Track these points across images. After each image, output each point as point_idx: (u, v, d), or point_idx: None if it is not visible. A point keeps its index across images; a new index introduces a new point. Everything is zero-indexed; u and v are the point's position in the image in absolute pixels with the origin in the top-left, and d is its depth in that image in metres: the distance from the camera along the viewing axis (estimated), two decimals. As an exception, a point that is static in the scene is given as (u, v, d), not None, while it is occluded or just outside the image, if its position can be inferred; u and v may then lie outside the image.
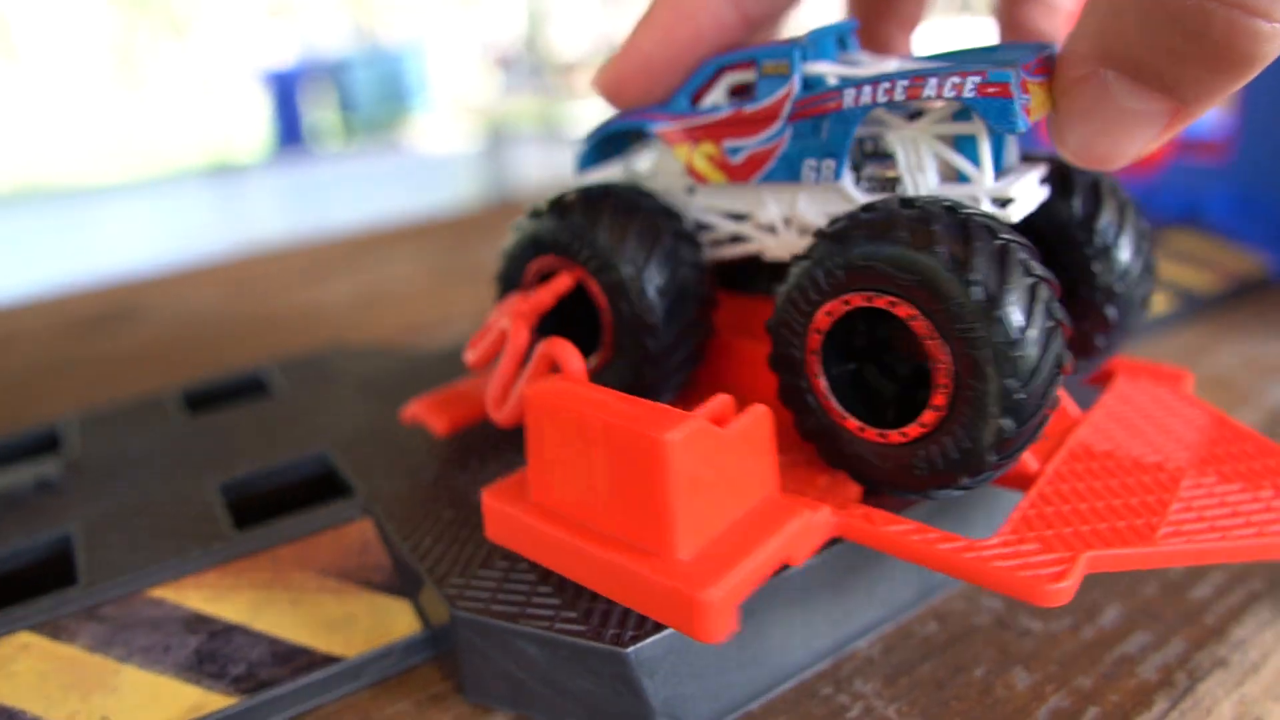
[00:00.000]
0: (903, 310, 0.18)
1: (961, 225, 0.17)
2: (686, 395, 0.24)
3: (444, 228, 0.66)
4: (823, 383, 0.19)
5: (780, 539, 0.18)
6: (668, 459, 0.17)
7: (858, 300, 0.18)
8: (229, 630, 0.21)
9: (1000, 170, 0.21)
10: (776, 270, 0.28)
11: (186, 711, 0.20)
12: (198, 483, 0.26)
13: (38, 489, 0.26)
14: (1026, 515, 0.19)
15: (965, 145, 0.21)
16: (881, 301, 0.18)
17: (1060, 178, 0.24)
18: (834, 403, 0.19)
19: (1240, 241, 0.44)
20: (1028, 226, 0.24)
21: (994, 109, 0.19)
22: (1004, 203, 0.20)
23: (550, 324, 0.24)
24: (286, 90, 3.51)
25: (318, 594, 0.22)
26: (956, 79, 0.19)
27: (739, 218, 0.24)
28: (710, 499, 0.18)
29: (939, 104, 0.20)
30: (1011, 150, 0.22)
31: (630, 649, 0.18)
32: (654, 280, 0.22)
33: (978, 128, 0.20)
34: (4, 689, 0.19)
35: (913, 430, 0.18)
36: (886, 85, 0.20)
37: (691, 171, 0.23)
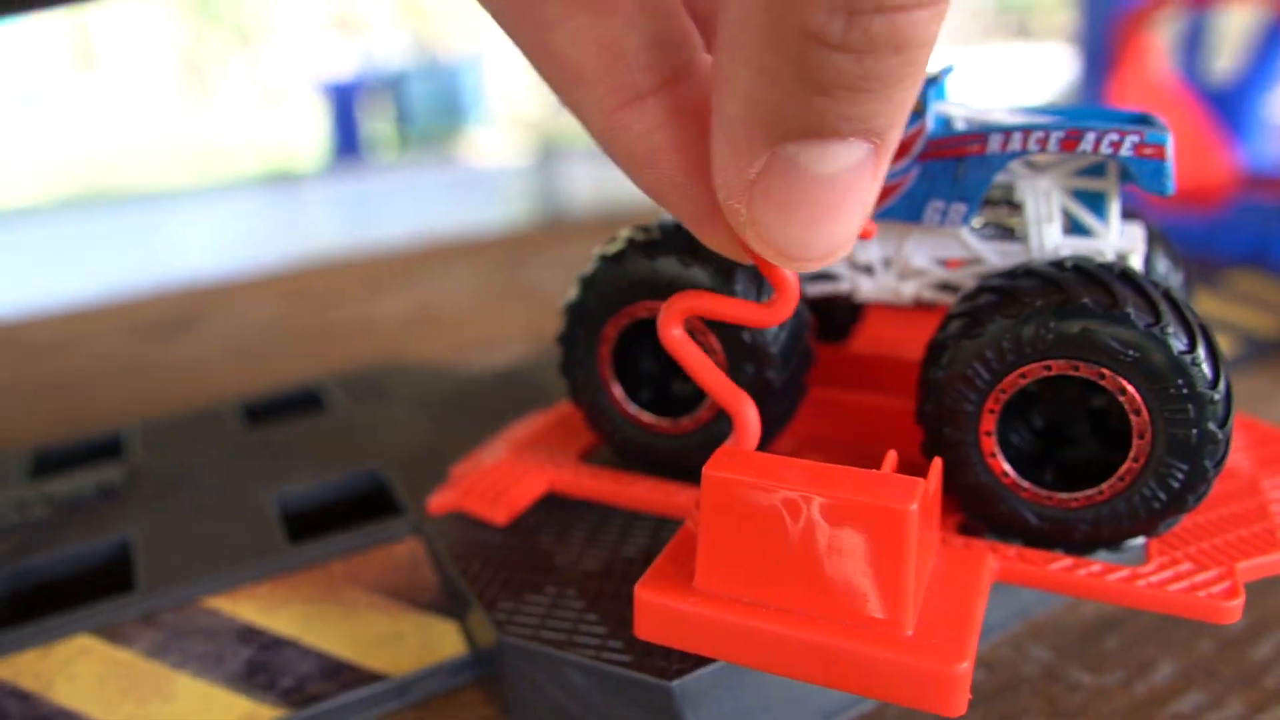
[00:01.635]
0: (1111, 384, 0.18)
1: (1176, 304, 0.18)
2: (773, 448, 0.24)
3: (496, 245, 0.67)
4: (994, 441, 0.19)
5: (984, 595, 0.18)
6: (907, 528, 0.15)
7: (1062, 367, 0.18)
8: (280, 643, 0.22)
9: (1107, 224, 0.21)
10: (842, 316, 0.28)
11: (237, 721, 0.20)
12: (254, 495, 0.27)
13: (100, 495, 0.27)
14: (1163, 535, 0.19)
15: (1087, 200, 0.21)
16: (1090, 372, 0.18)
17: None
18: (1002, 462, 0.19)
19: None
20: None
21: (1148, 170, 0.19)
22: (1124, 257, 0.21)
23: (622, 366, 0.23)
24: (345, 101, 3.58)
25: (367, 610, 0.23)
26: (1115, 136, 0.19)
27: None
28: (923, 563, 0.17)
29: (1081, 159, 0.20)
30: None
31: (675, 682, 0.18)
32: (782, 338, 0.21)
33: (1109, 184, 0.20)
34: (65, 690, 0.20)
35: (1084, 498, 0.19)
36: (1040, 134, 0.19)
37: None
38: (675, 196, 0.16)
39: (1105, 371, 0.18)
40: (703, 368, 0.18)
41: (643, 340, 0.23)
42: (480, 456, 0.25)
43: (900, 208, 0.21)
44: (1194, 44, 0.59)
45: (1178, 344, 0.17)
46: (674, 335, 0.18)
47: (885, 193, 0.21)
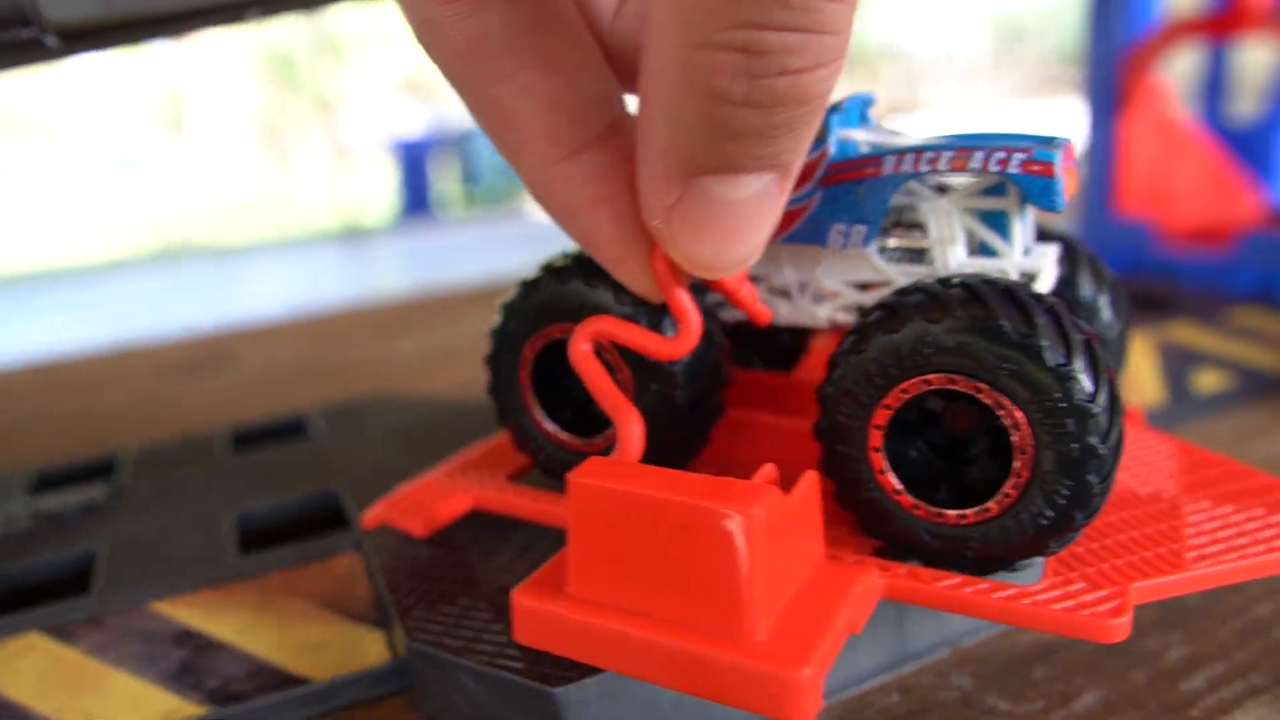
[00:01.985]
0: (989, 398, 0.18)
1: (1057, 318, 0.18)
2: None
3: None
4: (883, 458, 0.19)
5: (849, 607, 0.17)
6: (742, 536, 0.16)
7: (940, 381, 0.18)
8: (213, 646, 0.23)
9: (1019, 245, 0.22)
10: (765, 341, 0.29)
11: (160, 716, 0.21)
12: (220, 513, 0.28)
13: (83, 511, 0.29)
14: (1060, 556, 0.19)
15: (992, 220, 0.21)
16: (967, 386, 0.18)
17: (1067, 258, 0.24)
18: (891, 478, 0.19)
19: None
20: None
21: (1037, 186, 0.19)
22: (1030, 278, 0.21)
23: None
24: (415, 160, 3.73)
25: (300, 619, 0.24)
26: (1002, 154, 0.19)
27: (754, 280, 0.24)
28: (777, 571, 0.17)
29: (973, 178, 0.21)
30: (1030, 228, 0.22)
31: (559, 689, 0.19)
32: (688, 359, 0.21)
33: (1010, 204, 0.21)
34: (8, 683, 0.21)
35: (972, 515, 0.18)
36: (931, 155, 0.20)
37: None
38: (601, 241, 0.18)
39: (982, 386, 0.18)
40: (598, 383, 0.19)
41: (566, 363, 0.24)
42: (422, 477, 0.26)
43: (805, 231, 0.22)
44: (1215, 84, 0.59)
45: (1054, 356, 0.17)
46: (580, 351, 0.19)
47: (790, 217, 0.22)
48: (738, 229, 0.16)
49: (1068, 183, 0.19)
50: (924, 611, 0.23)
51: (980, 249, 0.21)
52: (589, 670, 0.19)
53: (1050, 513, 0.18)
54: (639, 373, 0.21)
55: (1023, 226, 0.21)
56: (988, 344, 0.17)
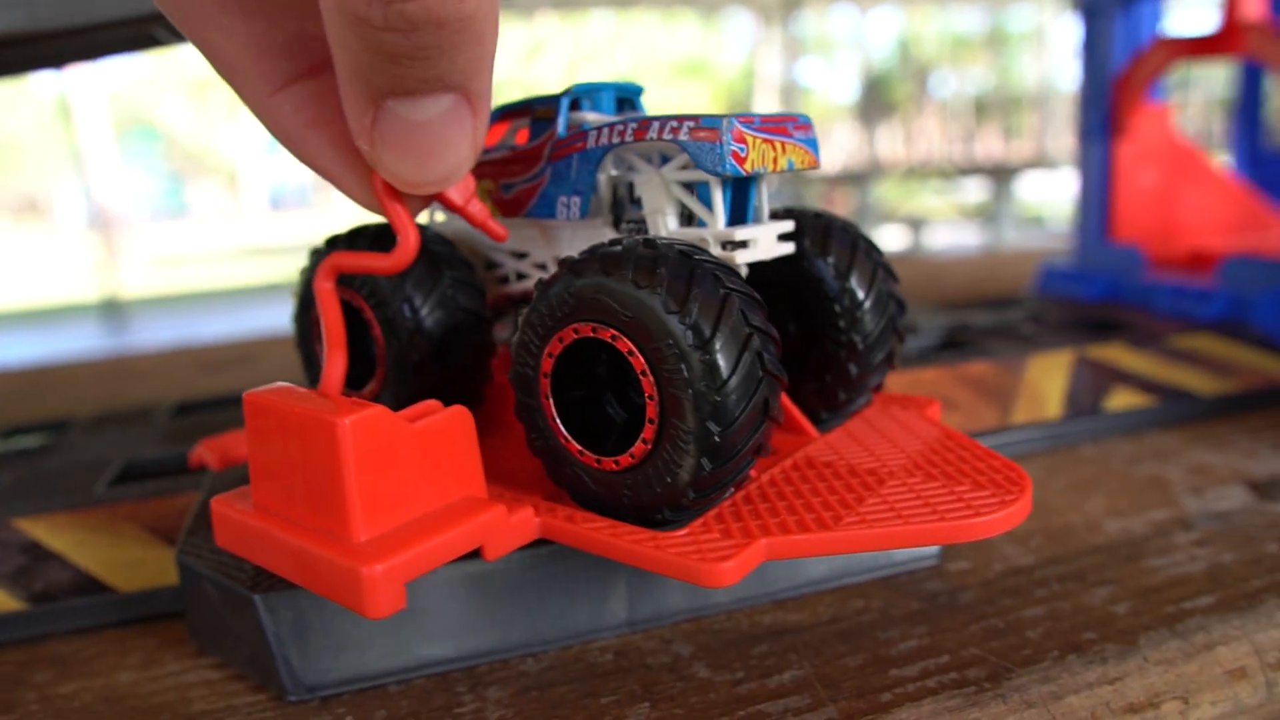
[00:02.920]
0: (623, 345, 0.19)
1: (689, 270, 0.18)
2: None
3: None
4: (551, 404, 0.20)
5: (463, 529, 0.19)
6: (342, 442, 0.18)
7: (585, 330, 0.19)
8: (50, 556, 0.26)
9: (750, 220, 0.22)
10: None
11: (-15, 608, 0.25)
12: (116, 459, 0.32)
13: (18, 454, 0.33)
14: (721, 511, 0.20)
15: (702, 194, 0.22)
16: (605, 334, 0.19)
17: (821, 235, 0.24)
18: (559, 425, 0.20)
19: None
20: (785, 282, 0.24)
21: (702, 151, 0.20)
22: (735, 246, 0.22)
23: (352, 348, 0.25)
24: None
25: (130, 541, 0.27)
26: (675, 123, 0.21)
27: (520, 256, 0.26)
28: (394, 488, 0.19)
29: (664, 145, 0.22)
30: (764, 203, 0.23)
31: (258, 594, 0.21)
32: (426, 321, 0.23)
33: (710, 175, 0.22)
34: (-123, 567, 0.26)
35: (624, 460, 0.19)
36: (620, 127, 0.22)
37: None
38: (321, 164, 0.20)
39: (615, 333, 0.19)
40: (327, 319, 0.21)
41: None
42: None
43: (542, 206, 0.23)
44: (1250, 108, 0.55)
45: (668, 303, 0.18)
46: (321, 288, 0.21)
47: (528, 193, 0.24)
48: (431, 147, 0.18)
49: (752, 152, 0.20)
50: (668, 582, 0.23)
51: (700, 221, 0.22)
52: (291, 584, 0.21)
53: (679, 460, 0.18)
54: (386, 330, 0.24)
55: (742, 201, 0.22)
56: (612, 293, 0.19)
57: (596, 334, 0.19)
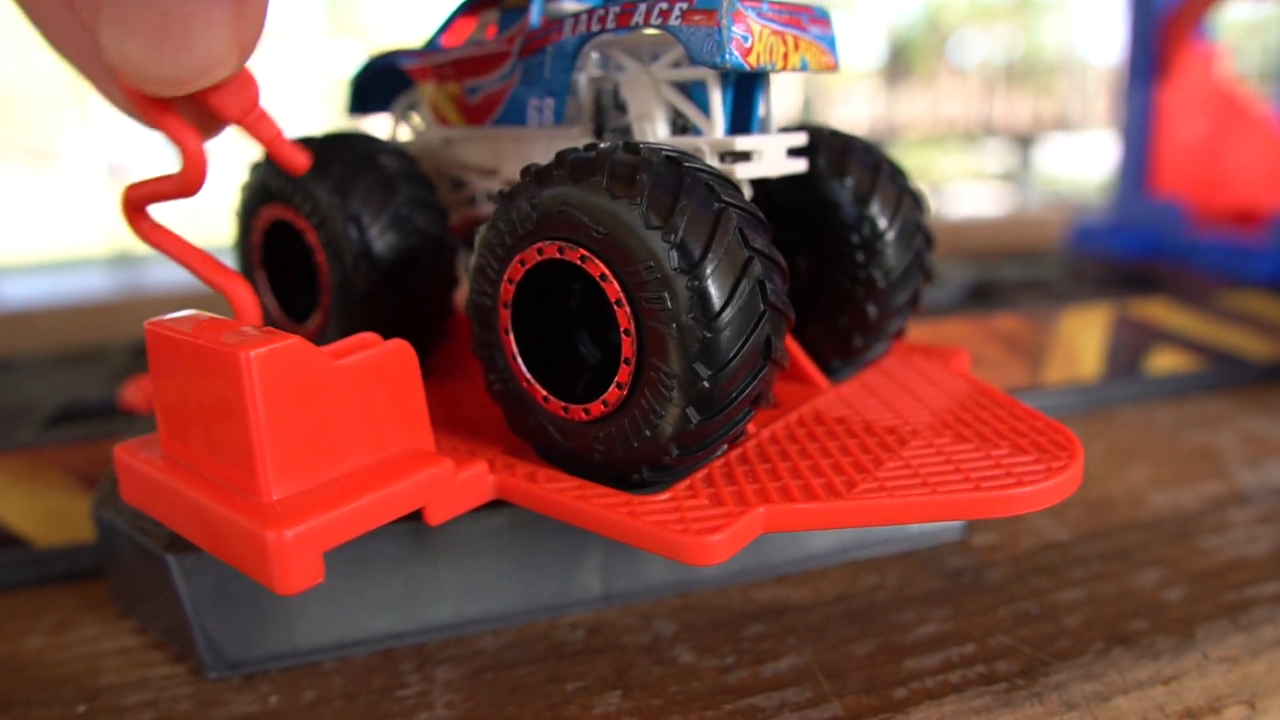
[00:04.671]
0: (594, 268, 0.15)
1: (676, 179, 0.15)
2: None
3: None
4: (512, 340, 0.17)
5: (400, 488, 0.16)
6: (247, 378, 0.15)
7: (551, 250, 0.16)
8: (-37, 505, 0.23)
9: (755, 130, 0.19)
10: None
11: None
12: (56, 401, 0.29)
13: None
14: (711, 472, 0.17)
15: (698, 95, 0.19)
16: (573, 255, 0.16)
17: (838, 155, 0.21)
18: (521, 365, 0.17)
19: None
20: (794, 208, 0.21)
21: (697, 38, 0.17)
22: (736, 158, 0.18)
23: (277, 272, 0.23)
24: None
25: (55, 490, 0.24)
26: (665, 4, 0.17)
27: (489, 173, 0.23)
28: (314, 436, 0.16)
29: (653, 41, 0.19)
30: (772, 110, 0.20)
31: (172, 555, 0.18)
32: (375, 244, 0.20)
33: (708, 73, 0.18)
34: None
35: (595, 408, 0.16)
36: (601, 14, 0.18)
37: (435, 112, 0.23)
38: (72, 53, 0.17)
39: (585, 253, 0.15)
40: (185, 253, 0.18)
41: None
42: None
43: (511, 112, 0.20)
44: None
45: (648, 217, 0.15)
46: (140, 228, 0.18)
47: (494, 99, 0.20)
48: (169, 25, 0.14)
49: (757, 44, 0.17)
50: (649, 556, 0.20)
51: (695, 129, 0.19)
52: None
53: (660, 409, 0.15)
54: (330, 254, 0.20)
55: (748, 106, 0.19)
56: (581, 204, 0.15)
57: (563, 255, 0.16)
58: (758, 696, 0.17)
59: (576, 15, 0.18)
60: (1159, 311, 0.34)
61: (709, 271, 0.14)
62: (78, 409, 0.29)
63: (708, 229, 0.15)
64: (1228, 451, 0.27)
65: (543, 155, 0.21)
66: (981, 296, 0.37)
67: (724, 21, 0.16)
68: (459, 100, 0.22)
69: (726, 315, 0.14)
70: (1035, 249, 0.53)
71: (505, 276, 0.17)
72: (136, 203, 0.18)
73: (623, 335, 0.15)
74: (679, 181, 0.15)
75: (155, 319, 0.16)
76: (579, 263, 0.15)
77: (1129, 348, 0.32)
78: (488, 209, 0.23)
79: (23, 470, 0.25)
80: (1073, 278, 0.40)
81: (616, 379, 0.16)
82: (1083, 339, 0.32)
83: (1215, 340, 0.33)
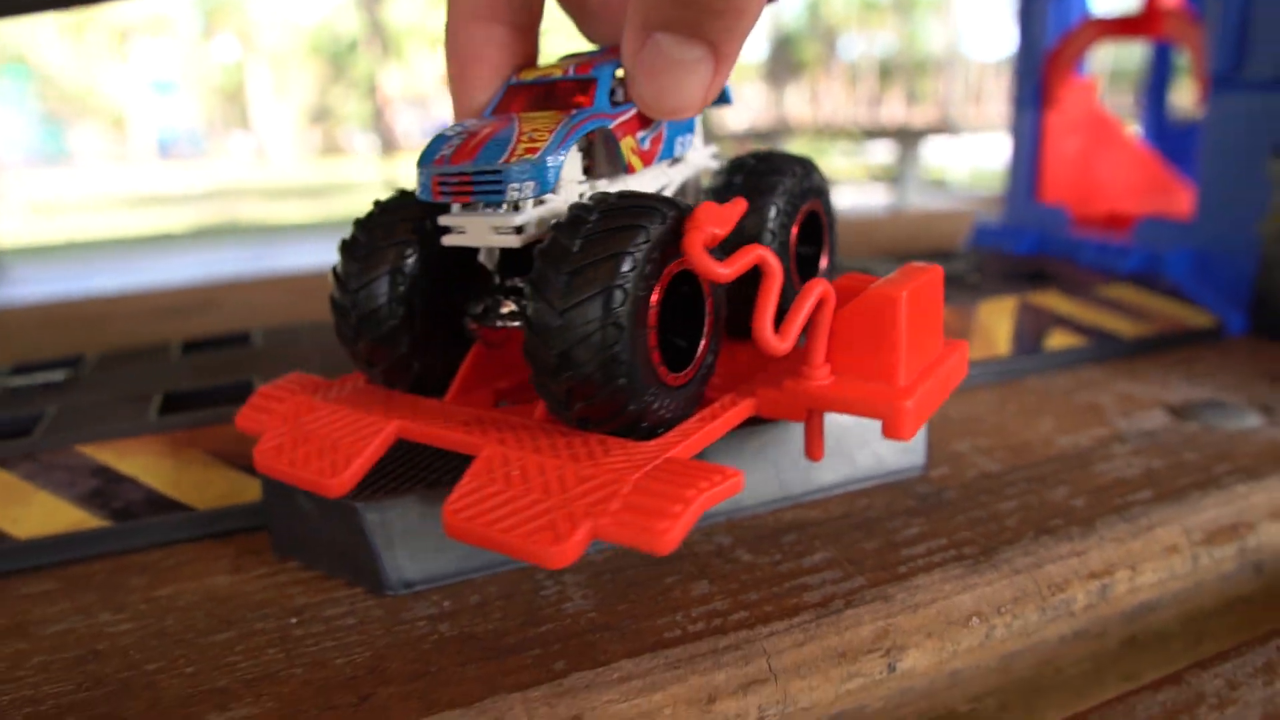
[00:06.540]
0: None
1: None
2: None
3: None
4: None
5: (944, 374, 0.23)
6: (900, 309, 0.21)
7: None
8: (121, 479, 0.28)
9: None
10: None
11: (71, 525, 0.26)
12: (152, 391, 0.33)
13: (44, 388, 0.34)
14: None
15: None
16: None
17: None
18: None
19: (1196, 301, 0.44)
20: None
21: None
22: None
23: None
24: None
25: (196, 465, 0.29)
26: None
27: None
28: (916, 343, 0.22)
29: None
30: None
31: (360, 503, 0.23)
32: None
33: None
34: (-47, 491, 0.27)
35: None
36: None
37: (628, 162, 0.26)
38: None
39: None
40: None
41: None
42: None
43: (667, 150, 0.27)
44: (1159, 81, 0.61)
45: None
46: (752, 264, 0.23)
47: (657, 140, 0.26)
48: (673, 83, 0.22)
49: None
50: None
51: None
52: (395, 492, 0.24)
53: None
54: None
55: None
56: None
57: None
58: (804, 577, 0.24)
59: None
60: (1052, 300, 0.43)
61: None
62: (179, 400, 0.33)
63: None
64: (1108, 407, 0.36)
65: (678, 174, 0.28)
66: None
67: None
68: (635, 149, 0.26)
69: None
70: (941, 244, 0.63)
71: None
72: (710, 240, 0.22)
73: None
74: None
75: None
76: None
77: (1031, 330, 0.40)
78: None
79: (163, 449, 0.29)
80: (978, 271, 0.49)
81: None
82: (996, 323, 0.41)
83: (1095, 322, 0.42)
